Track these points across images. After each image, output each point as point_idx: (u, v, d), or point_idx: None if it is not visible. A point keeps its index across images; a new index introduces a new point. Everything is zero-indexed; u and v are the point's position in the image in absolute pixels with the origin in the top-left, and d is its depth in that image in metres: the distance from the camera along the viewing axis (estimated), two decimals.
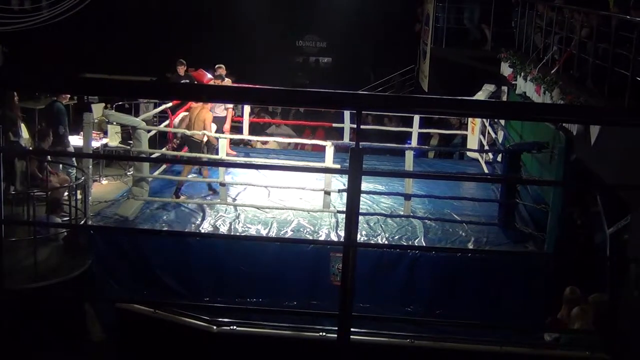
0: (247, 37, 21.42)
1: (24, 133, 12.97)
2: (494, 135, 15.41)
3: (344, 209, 3.08)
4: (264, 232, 11.33)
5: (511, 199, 11.88)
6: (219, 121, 13.82)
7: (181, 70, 15.70)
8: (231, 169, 13.34)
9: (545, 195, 11.84)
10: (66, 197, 11.27)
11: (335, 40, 23.15)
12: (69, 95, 14.80)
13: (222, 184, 12.24)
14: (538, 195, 12.43)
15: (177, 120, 13.85)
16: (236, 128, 15.91)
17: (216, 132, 12.93)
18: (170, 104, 14.69)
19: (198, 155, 12.48)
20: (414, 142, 15.20)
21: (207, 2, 21.64)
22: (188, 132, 12.60)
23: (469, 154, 16.26)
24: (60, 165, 12.47)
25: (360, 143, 3.10)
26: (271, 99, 3.71)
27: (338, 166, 12.23)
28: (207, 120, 12.51)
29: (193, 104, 12.72)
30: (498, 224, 11.75)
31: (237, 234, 11.38)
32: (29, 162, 10.89)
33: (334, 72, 23.26)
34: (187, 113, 13.13)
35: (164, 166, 13.82)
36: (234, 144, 15.31)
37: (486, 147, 15.35)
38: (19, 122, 12.78)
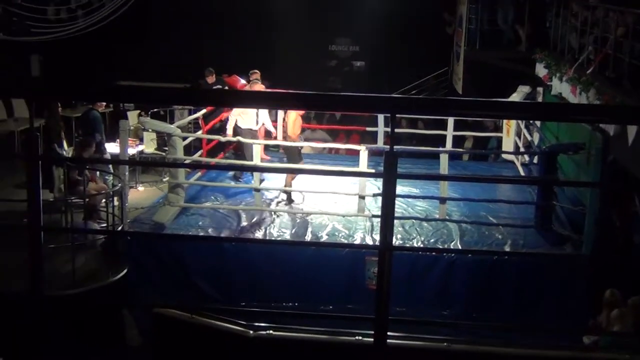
0: (279, 42, 21.46)
1: (65, 144, 13.15)
2: (529, 137, 15.28)
3: (379, 213, 3.07)
4: (299, 237, 11.35)
5: (548, 201, 11.76)
6: (252, 134, 13.82)
7: (210, 79, 15.76)
8: (265, 174, 13.36)
9: (582, 197, 11.71)
10: (103, 204, 11.40)
11: (368, 44, 23.09)
12: (104, 103, 14.98)
13: (257, 189, 12.28)
14: (575, 197, 12.29)
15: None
16: (269, 133, 15.94)
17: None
18: (202, 112, 14.76)
19: (235, 162, 12.51)
20: (448, 145, 15.12)
21: (239, 7, 21.72)
22: (234, 139, 12.78)
23: (504, 156, 16.13)
24: (98, 173, 12.62)
25: (395, 146, 3.09)
26: (306, 104, 3.72)
27: (372, 170, 12.21)
28: (295, 126, 12.70)
29: (290, 112, 12.75)
30: (535, 227, 11.64)
31: (273, 238, 11.41)
32: (66, 169, 11.03)
33: (367, 76, 23.21)
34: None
35: (199, 173, 13.91)
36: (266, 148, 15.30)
37: (522, 149, 15.22)
38: (62, 133, 12.99)
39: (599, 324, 8.65)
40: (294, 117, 12.76)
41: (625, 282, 9.06)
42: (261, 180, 12.66)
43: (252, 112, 13.38)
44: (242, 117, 13.41)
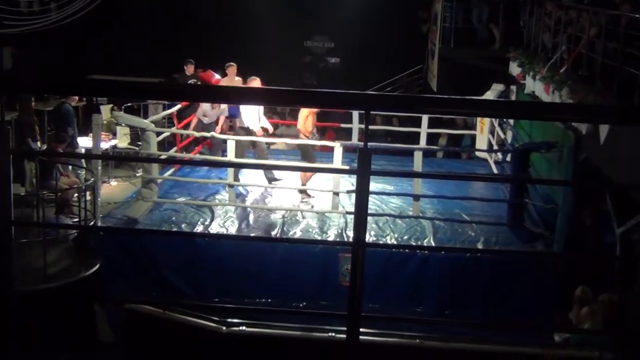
0: (254, 37, 21.41)
1: (38, 138, 13.04)
2: (502, 135, 15.37)
3: (353, 210, 3.07)
4: (272, 233, 11.35)
5: (520, 198, 11.84)
6: (210, 127, 13.92)
7: (190, 69, 15.57)
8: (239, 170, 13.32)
9: (554, 195, 11.81)
10: (75, 199, 11.31)
11: (343, 40, 23.12)
12: (77, 97, 14.85)
13: (231, 185, 12.25)
14: (547, 195, 12.39)
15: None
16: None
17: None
18: (176, 108, 14.69)
19: (209, 157, 12.41)
20: (422, 142, 15.17)
21: (214, 2, 21.65)
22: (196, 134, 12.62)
23: (477, 154, 16.23)
24: (70, 167, 12.51)
25: (369, 143, 3.09)
26: (280, 100, 3.71)
27: (347, 167, 12.22)
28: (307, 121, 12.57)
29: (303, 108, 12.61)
30: (507, 224, 11.72)
31: (246, 234, 11.40)
32: (38, 163, 10.93)
33: (342, 72, 23.24)
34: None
35: (173, 168, 13.84)
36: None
37: (495, 147, 15.31)
38: (36, 127, 12.87)
39: (569, 321, 8.74)
40: (306, 113, 12.60)
41: (595, 280, 9.16)
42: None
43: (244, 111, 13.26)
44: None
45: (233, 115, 14.93)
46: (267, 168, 11.25)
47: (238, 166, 12.45)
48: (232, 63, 14.65)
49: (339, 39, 23.37)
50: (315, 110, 12.50)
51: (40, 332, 8.48)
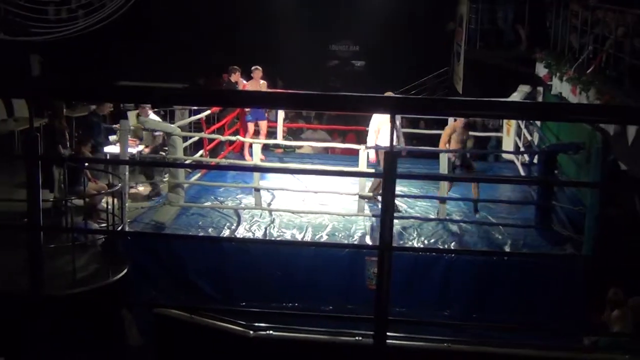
0: (279, 41, 21.47)
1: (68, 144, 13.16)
2: (529, 137, 15.27)
3: (379, 213, 3.07)
4: (299, 237, 11.35)
5: (548, 201, 11.75)
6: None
7: (235, 77, 15.24)
8: (265, 174, 13.36)
9: (582, 197, 11.71)
10: (103, 204, 11.40)
11: (368, 43, 23.13)
12: (110, 108, 15.03)
13: (257, 189, 12.27)
14: (575, 197, 12.29)
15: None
16: (271, 133, 15.97)
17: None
18: (205, 114, 14.76)
19: (236, 162, 12.44)
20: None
21: (238, 7, 21.73)
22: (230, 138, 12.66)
23: (504, 155, 16.13)
24: (97, 172, 12.62)
25: (395, 146, 3.08)
26: (305, 104, 3.71)
27: (372, 170, 12.21)
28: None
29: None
30: (535, 227, 11.64)
31: (272, 238, 11.41)
32: (66, 169, 11.03)
33: (367, 75, 23.23)
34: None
35: (199, 172, 13.91)
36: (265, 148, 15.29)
37: (522, 149, 15.21)
38: (66, 134, 12.99)
39: (601, 324, 8.64)
40: (449, 132, 12.14)
41: (625, 283, 9.06)
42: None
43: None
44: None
45: (259, 118, 14.99)
46: (290, 172, 11.23)
47: (264, 171, 12.46)
48: (257, 67, 14.68)
49: (364, 43, 23.40)
50: (458, 124, 12.14)
51: (69, 336, 8.55)
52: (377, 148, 12.07)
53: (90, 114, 13.60)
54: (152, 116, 13.83)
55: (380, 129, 12.08)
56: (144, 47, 20.28)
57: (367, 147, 11.99)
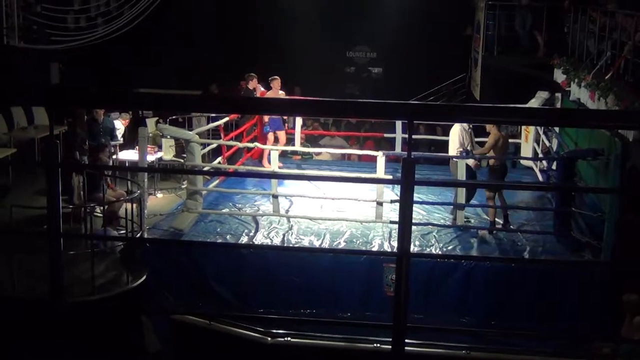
0: (296, 48, 21.49)
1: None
2: (548, 143, 15.19)
3: (397, 220, 3.07)
4: (316, 243, 11.35)
5: (567, 207, 11.69)
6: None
7: (252, 83, 15.27)
8: (283, 181, 13.38)
9: (601, 203, 11.63)
10: (122, 211, 11.46)
11: (386, 50, 23.14)
12: (129, 117, 15.15)
13: (275, 196, 12.29)
14: (594, 203, 12.21)
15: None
16: (289, 140, 16.01)
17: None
18: (223, 120, 14.81)
19: (254, 169, 12.47)
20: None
21: (255, 14, 21.80)
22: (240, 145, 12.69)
23: (523, 162, 16.06)
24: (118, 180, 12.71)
25: (413, 153, 3.08)
26: (323, 110, 3.72)
27: (390, 176, 12.19)
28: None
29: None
30: (554, 233, 11.58)
31: (290, 245, 11.42)
32: (85, 176, 11.11)
33: (384, 82, 23.23)
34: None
35: (218, 179, 13.95)
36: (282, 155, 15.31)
37: (540, 155, 15.14)
38: (86, 141, 13.09)
39: (623, 330, 8.58)
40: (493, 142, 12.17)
41: None
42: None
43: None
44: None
45: (278, 128, 15.04)
46: (308, 179, 11.21)
47: (282, 177, 12.48)
48: (276, 77, 14.75)
49: (381, 49, 23.40)
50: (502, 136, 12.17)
51: (88, 342, 8.59)
52: (471, 157, 12.09)
53: (89, 120, 13.65)
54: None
55: (463, 138, 12.29)
56: (161, 55, 20.36)
57: (455, 158, 12.10)
